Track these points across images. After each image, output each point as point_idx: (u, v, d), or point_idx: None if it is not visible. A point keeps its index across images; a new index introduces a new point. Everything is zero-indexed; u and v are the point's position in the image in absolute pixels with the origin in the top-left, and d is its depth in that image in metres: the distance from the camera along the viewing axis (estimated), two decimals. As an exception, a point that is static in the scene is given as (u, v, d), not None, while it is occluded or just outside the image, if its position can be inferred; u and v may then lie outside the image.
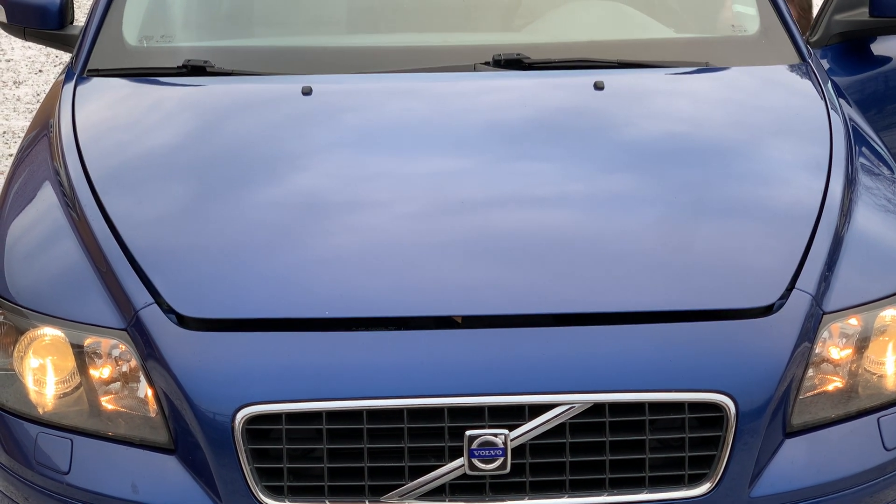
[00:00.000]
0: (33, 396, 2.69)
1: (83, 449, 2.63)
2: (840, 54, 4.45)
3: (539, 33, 3.84)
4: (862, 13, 4.25)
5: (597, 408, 2.52)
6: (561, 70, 3.54)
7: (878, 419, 2.71)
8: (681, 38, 3.88)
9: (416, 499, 2.52)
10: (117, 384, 2.65)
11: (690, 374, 2.56)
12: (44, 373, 2.69)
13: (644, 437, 2.53)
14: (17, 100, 7.68)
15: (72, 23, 4.05)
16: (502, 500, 2.53)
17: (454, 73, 3.51)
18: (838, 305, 2.71)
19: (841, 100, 3.50)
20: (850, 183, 3.05)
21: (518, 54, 3.54)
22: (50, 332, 2.69)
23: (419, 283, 2.70)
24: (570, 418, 2.51)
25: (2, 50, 8.58)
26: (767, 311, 2.65)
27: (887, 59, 4.63)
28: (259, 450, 2.52)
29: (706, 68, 3.61)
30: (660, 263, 2.77)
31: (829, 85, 3.54)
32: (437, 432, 2.51)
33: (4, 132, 7.10)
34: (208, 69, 3.52)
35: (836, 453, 2.67)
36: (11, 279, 2.84)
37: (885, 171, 3.25)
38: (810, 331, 2.66)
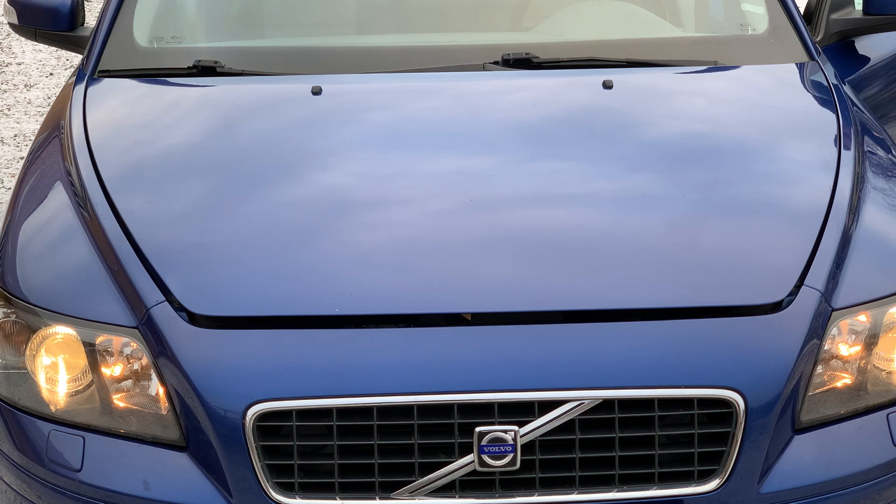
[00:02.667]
0: (45, 394, 2.71)
1: (95, 446, 2.64)
2: (833, 54, 4.46)
3: (547, 33, 3.85)
4: (850, 11, 4.24)
5: (606, 404, 2.52)
6: (570, 69, 3.55)
7: (888, 416, 2.71)
8: (689, 36, 3.89)
9: (426, 495, 2.53)
10: (129, 382, 2.66)
11: (700, 370, 2.57)
12: (56, 371, 2.70)
13: (653, 434, 2.54)
14: (28, 103, 7.71)
15: (83, 24, 4.07)
16: (512, 497, 2.54)
17: (462, 73, 3.52)
18: (847, 302, 2.72)
19: (850, 98, 3.50)
20: (859, 180, 3.05)
21: (527, 53, 3.54)
22: (62, 331, 2.70)
23: (429, 281, 2.71)
24: (580, 414, 2.52)
25: (13, 53, 8.61)
26: (776, 307, 2.66)
27: (867, 59, 4.64)
28: (270, 446, 2.53)
29: (715, 67, 3.61)
30: (669, 261, 2.77)
31: (838, 83, 3.54)
32: (447, 429, 2.52)
33: (16, 135, 7.13)
34: (218, 69, 3.53)
35: (845, 450, 2.67)
36: (24, 278, 2.85)
37: (894, 169, 3.25)
38: (819, 327, 2.66)
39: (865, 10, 4.08)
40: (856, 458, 2.67)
